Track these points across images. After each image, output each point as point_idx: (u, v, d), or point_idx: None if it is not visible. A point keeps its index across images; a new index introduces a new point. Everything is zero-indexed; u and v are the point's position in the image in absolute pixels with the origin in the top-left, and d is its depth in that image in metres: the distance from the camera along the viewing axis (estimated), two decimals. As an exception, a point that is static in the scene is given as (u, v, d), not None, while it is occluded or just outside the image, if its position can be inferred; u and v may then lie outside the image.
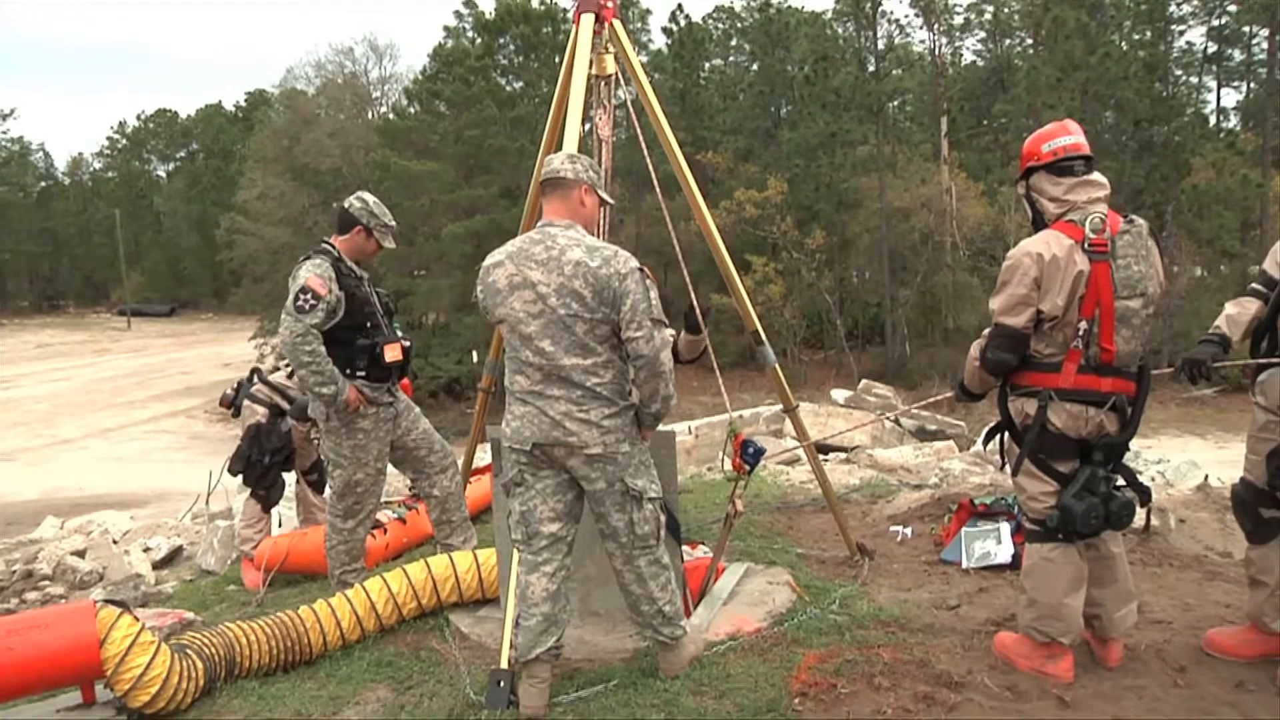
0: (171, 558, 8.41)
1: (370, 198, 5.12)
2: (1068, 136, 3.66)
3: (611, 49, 4.89)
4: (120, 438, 29.75)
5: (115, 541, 8.73)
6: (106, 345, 52.70)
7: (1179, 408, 30.10)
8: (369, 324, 4.96)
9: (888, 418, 15.31)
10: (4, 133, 75.20)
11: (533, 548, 3.66)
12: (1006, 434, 3.82)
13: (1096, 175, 3.65)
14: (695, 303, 4.99)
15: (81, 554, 8.18)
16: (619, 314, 3.47)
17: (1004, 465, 3.92)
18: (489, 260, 3.68)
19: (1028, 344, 3.62)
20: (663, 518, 3.75)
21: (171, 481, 19.77)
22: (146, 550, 8.40)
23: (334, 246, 4.98)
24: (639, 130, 5.04)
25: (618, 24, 4.89)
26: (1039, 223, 3.70)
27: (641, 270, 3.55)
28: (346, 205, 5.07)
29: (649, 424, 3.66)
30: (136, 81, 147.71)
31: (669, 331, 4.99)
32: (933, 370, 34.04)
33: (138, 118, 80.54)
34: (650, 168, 4.98)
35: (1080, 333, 3.53)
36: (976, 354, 3.77)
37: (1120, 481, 3.70)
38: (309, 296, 4.67)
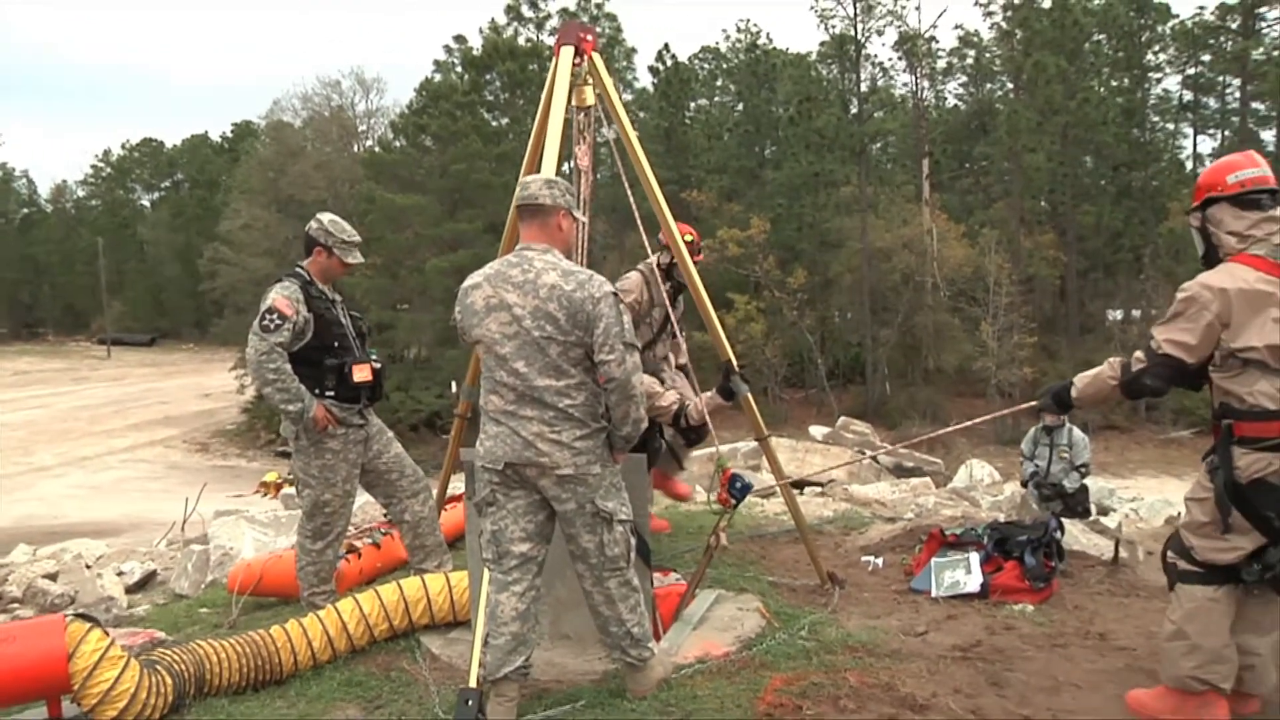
0: (145, 582, 8.37)
1: (326, 217, 5.16)
2: (1255, 169, 3.42)
3: (591, 81, 4.99)
4: (97, 466, 29.53)
5: (88, 566, 8.68)
6: (85, 373, 52.36)
7: (1156, 449, 30.47)
8: (337, 344, 5.03)
9: (869, 455, 15.31)
10: (-12, 159, 75.22)
11: (503, 567, 3.69)
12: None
13: None
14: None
15: (53, 577, 8.13)
16: (592, 337, 3.54)
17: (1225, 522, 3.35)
18: (468, 282, 3.75)
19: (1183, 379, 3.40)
20: (633, 540, 3.80)
21: (148, 511, 19.63)
22: (120, 574, 8.37)
23: (306, 270, 5.07)
24: (620, 168, 5.11)
25: (597, 57, 4.98)
26: (1211, 258, 3.46)
27: (615, 295, 3.62)
28: (307, 228, 5.17)
29: (620, 446, 3.72)
30: (123, 110, 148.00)
31: (667, 391, 5.01)
32: (912, 409, 34.24)
33: (123, 146, 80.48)
34: (632, 205, 5.04)
35: None
36: (1115, 373, 3.51)
37: None
38: (274, 316, 4.77)
